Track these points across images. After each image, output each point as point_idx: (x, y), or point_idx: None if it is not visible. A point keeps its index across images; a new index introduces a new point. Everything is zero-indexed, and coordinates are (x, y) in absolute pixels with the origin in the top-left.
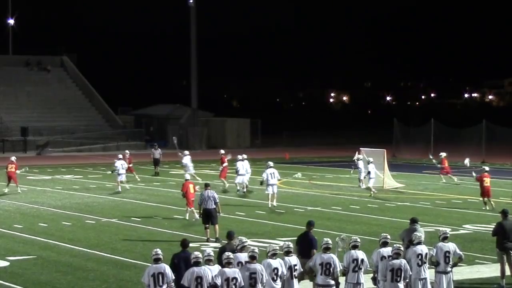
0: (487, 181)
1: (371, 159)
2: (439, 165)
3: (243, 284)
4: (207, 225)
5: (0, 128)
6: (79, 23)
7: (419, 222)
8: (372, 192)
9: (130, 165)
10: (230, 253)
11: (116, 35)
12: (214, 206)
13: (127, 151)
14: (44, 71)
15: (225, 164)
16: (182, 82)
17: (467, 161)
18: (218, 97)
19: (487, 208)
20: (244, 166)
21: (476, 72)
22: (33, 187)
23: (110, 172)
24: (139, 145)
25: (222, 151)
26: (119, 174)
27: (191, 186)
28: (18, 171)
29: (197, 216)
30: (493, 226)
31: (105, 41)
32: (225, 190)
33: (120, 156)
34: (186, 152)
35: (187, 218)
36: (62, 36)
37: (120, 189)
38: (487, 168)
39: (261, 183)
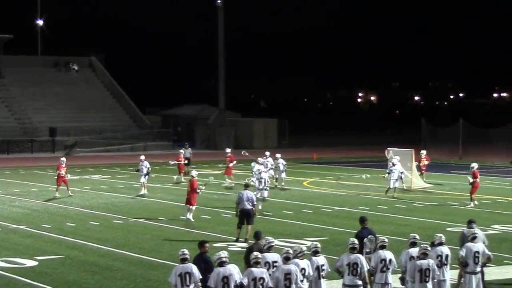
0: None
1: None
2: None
3: (270, 284)
4: (241, 225)
5: (29, 128)
6: (107, 24)
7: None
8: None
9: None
10: (258, 253)
11: (144, 36)
12: (252, 207)
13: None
14: (72, 72)
15: (234, 163)
16: (210, 82)
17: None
18: (246, 97)
19: (475, 203)
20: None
21: (505, 71)
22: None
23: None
24: (166, 145)
25: (228, 149)
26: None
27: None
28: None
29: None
30: None
31: (133, 42)
32: (229, 187)
33: (142, 157)
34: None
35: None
36: (90, 37)
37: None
38: (476, 166)
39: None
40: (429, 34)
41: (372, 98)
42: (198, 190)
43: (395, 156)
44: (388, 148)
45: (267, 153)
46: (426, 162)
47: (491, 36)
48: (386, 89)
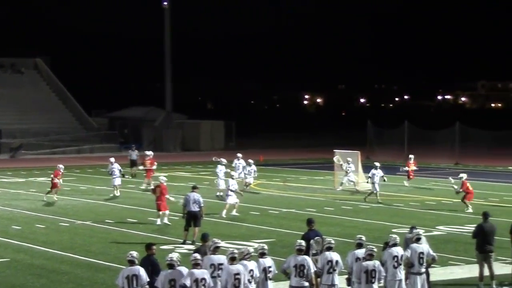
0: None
1: (377, 164)
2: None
3: (212, 284)
4: (188, 228)
5: None
6: (53, 25)
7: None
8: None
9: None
10: (197, 254)
11: (90, 37)
12: (199, 209)
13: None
14: (18, 74)
15: (155, 166)
16: (157, 84)
17: (451, 179)
18: (193, 99)
19: (470, 209)
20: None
21: (449, 74)
22: (7, 189)
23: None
24: (113, 147)
25: (149, 152)
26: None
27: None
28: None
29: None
30: (466, 228)
31: (79, 43)
32: (146, 190)
33: (112, 159)
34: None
35: (167, 222)
36: (36, 39)
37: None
38: (465, 176)
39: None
40: (375, 37)
41: (319, 100)
42: (168, 196)
43: (348, 158)
44: (335, 151)
45: (239, 154)
46: (414, 168)
47: (436, 40)
48: (332, 91)
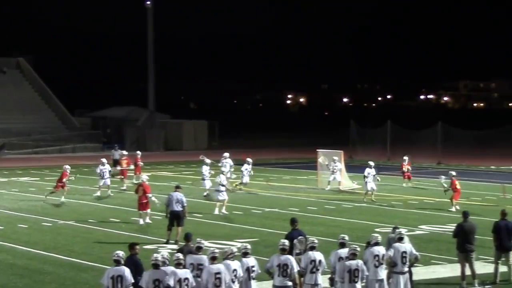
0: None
1: (371, 163)
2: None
3: (194, 284)
4: (171, 227)
5: None
6: (35, 24)
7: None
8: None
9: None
10: (180, 254)
11: (73, 37)
12: (182, 209)
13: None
14: (0, 73)
15: (132, 166)
16: (139, 84)
17: (442, 178)
18: (176, 99)
19: (456, 208)
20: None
21: (431, 74)
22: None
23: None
24: (96, 147)
25: (125, 152)
26: (103, 178)
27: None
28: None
29: (147, 220)
30: (449, 227)
31: (62, 43)
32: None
33: (104, 160)
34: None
35: (149, 221)
36: (18, 38)
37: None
38: (454, 173)
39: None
40: (358, 36)
41: (302, 100)
42: (150, 196)
43: (335, 157)
44: (318, 150)
45: (226, 154)
46: (410, 168)
47: (418, 39)
48: (315, 91)
